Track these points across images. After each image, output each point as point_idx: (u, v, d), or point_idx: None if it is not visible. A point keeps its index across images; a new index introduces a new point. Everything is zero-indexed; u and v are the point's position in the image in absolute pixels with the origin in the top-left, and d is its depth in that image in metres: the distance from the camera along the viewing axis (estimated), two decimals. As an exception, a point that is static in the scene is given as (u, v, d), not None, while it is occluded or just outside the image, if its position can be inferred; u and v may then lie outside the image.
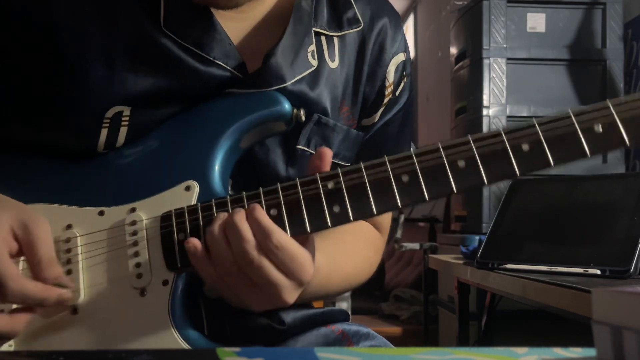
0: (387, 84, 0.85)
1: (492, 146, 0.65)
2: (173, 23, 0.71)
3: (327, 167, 0.68)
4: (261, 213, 0.64)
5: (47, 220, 0.66)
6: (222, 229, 0.64)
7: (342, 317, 0.86)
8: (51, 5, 0.69)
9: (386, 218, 0.92)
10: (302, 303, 0.79)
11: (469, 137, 0.66)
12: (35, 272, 0.64)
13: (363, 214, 0.65)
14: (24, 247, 0.64)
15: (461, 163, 0.65)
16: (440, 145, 0.66)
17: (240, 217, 0.64)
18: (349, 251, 0.83)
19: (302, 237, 0.66)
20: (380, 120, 0.86)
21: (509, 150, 0.64)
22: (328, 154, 0.68)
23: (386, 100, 0.86)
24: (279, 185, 0.67)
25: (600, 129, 0.64)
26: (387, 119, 0.87)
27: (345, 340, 0.82)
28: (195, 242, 0.64)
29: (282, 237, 0.63)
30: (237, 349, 0.48)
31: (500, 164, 0.64)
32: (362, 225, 0.88)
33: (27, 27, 0.70)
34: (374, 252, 0.89)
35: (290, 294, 0.66)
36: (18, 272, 0.62)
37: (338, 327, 0.83)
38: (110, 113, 0.71)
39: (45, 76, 0.71)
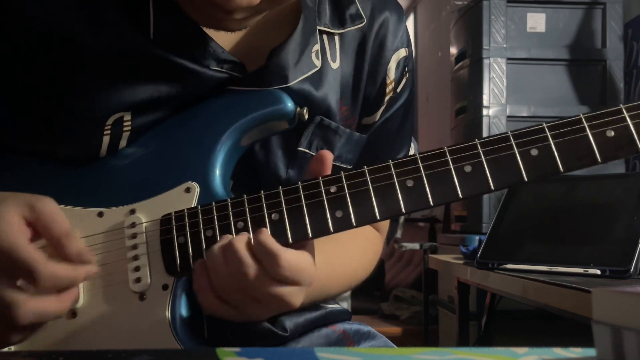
0: (387, 81, 0.83)
1: (499, 150, 0.63)
2: (162, 39, 0.69)
3: (327, 171, 0.67)
4: (266, 236, 0.62)
5: (51, 198, 0.65)
6: (222, 252, 0.63)
7: (344, 317, 0.86)
8: (44, 18, 0.68)
9: None
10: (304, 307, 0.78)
11: (476, 141, 0.64)
12: (58, 249, 0.63)
13: (366, 219, 0.64)
14: (40, 229, 0.63)
15: (467, 168, 0.63)
16: (446, 149, 0.64)
17: (241, 240, 0.63)
18: (348, 252, 0.82)
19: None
20: (381, 118, 0.85)
21: (517, 156, 0.63)
22: (328, 157, 0.67)
23: (387, 98, 0.84)
24: (280, 188, 0.66)
25: (613, 134, 0.62)
26: (388, 116, 0.85)
27: (346, 339, 0.81)
28: (202, 263, 0.64)
29: (288, 256, 0.62)
30: (237, 349, 0.48)
31: (508, 170, 0.63)
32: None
33: (23, 40, 0.69)
34: (373, 251, 0.88)
35: (298, 298, 0.65)
36: (44, 256, 0.61)
37: (339, 326, 0.83)
38: (110, 120, 0.70)
39: (43, 88, 0.70)
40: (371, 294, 3.50)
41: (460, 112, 2.28)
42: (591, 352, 0.45)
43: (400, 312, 3.11)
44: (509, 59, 2.11)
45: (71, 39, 0.69)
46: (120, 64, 0.69)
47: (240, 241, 0.62)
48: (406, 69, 0.85)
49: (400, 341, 2.82)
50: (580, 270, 1.14)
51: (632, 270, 1.08)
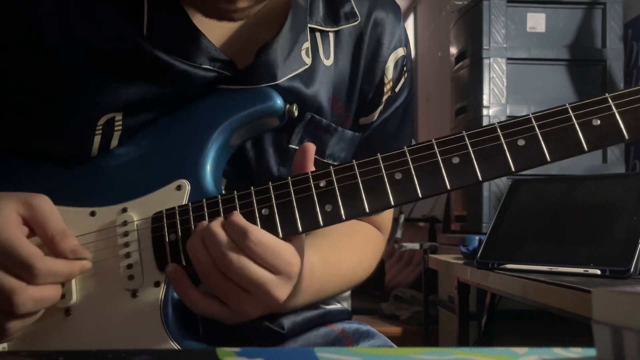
0: (385, 80, 0.83)
1: (486, 142, 0.64)
2: (156, 35, 0.70)
3: (310, 162, 0.67)
4: (236, 215, 0.63)
5: (47, 197, 0.65)
6: (200, 237, 0.64)
7: (344, 317, 0.86)
8: (37, 17, 0.68)
9: (386, 217, 0.91)
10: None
11: (464, 133, 0.65)
12: (51, 247, 0.64)
13: (355, 212, 0.65)
14: (35, 226, 0.64)
15: (455, 160, 0.64)
16: (434, 141, 0.65)
17: (216, 223, 0.63)
18: (346, 251, 0.82)
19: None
20: (379, 119, 0.85)
21: (504, 146, 0.63)
22: (311, 148, 0.67)
23: (385, 98, 0.84)
24: (270, 184, 0.66)
25: (599, 123, 0.63)
26: (386, 117, 0.85)
27: (345, 339, 0.81)
28: (174, 266, 0.65)
29: (259, 233, 0.63)
30: (237, 349, 0.48)
31: (496, 160, 0.63)
32: (361, 225, 0.87)
33: (17, 38, 0.69)
34: (373, 252, 0.88)
35: (281, 290, 0.64)
36: (41, 252, 0.62)
37: (337, 326, 0.83)
38: (102, 120, 0.70)
39: (36, 89, 0.70)
40: (371, 294, 3.49)
41: (460, 112, 2.28)
42: (591, 352, 0.45)
43: (400, 312, 3.10)
44: (509, 59, 2.11)
45: (67, 37, 0.68)
46: (114, 62, 0.69)
47: (216, 224, 0.63)
48: (404, 69, 0.85)
49: (400, 341, 2.81)
50: (580, 270, 1.14)
51: (632, 270, 1.08)
